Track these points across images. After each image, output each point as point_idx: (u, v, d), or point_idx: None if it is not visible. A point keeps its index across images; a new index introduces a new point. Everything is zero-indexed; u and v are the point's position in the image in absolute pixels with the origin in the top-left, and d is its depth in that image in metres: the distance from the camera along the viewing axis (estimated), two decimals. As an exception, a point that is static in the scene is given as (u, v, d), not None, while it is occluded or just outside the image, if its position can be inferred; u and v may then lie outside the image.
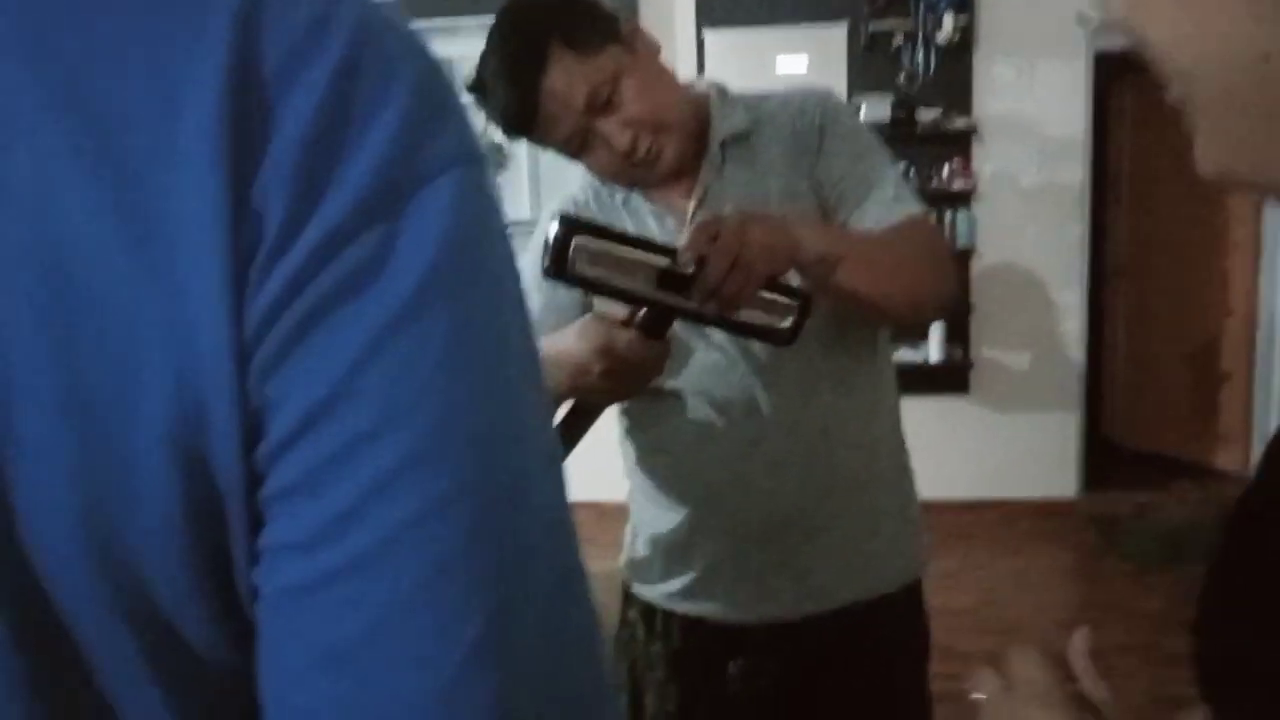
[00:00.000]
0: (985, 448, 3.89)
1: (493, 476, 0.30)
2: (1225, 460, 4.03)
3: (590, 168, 1.08)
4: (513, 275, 0.33)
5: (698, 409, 1.09)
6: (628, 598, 1.24)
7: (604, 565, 1.30)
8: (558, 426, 1.00)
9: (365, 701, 0.28)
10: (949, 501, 3.93)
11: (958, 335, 3.78)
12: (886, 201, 1.05)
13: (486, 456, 0.29)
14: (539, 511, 0.31)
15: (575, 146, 1.03)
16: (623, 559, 1.26)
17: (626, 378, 0.95)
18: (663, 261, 0.88)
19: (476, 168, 0.31)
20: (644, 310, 0.92)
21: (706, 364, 1.08)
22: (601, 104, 0.99)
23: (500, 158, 4.03)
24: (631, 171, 1.06)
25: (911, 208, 1.05)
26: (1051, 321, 3.82)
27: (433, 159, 0.29)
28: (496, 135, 1.09)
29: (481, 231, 0.31)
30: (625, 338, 0.93)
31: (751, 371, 1.07)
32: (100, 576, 0.28)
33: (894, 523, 1.15)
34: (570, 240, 0.86)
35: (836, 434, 1.09)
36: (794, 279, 0.94)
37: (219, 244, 0.26)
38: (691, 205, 1.08)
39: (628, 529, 1.26)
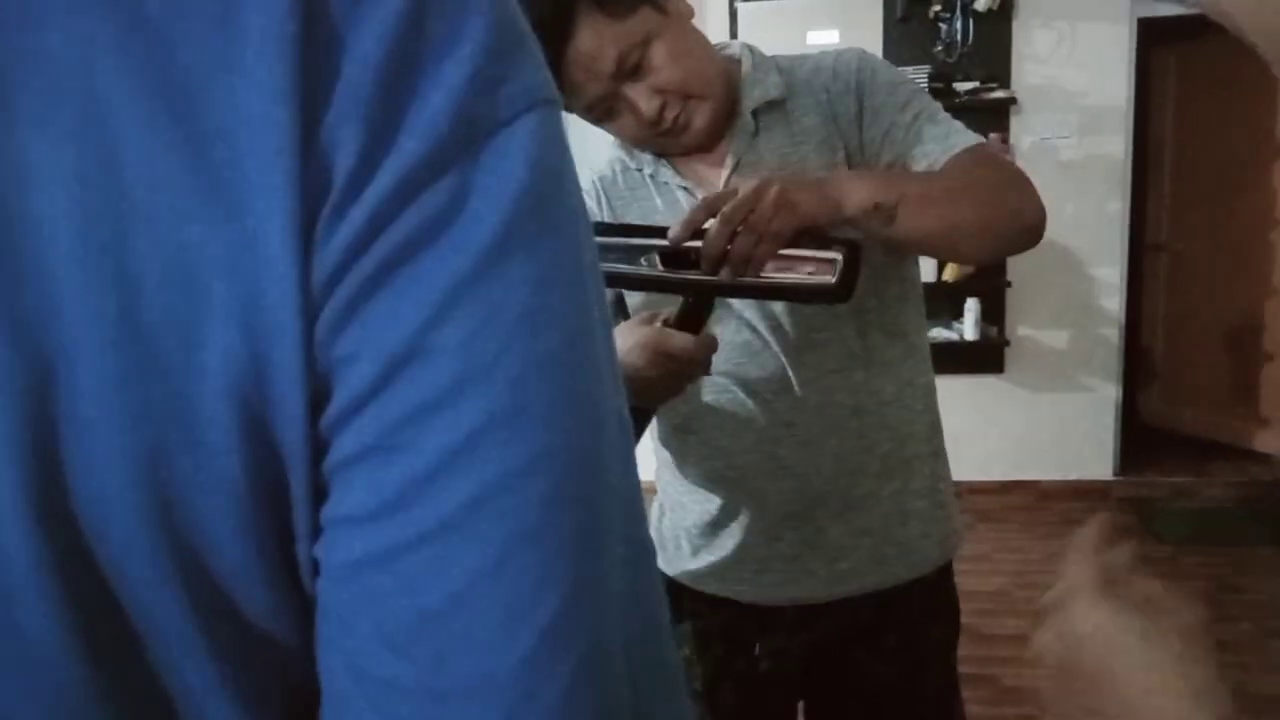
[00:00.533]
0: (1020, 428, 3.82)
1: (573, 441, 0.28)
2: (1265, 443, 3.93)
3: (615, 134, 1.05)
4: (586, 225, 0.30)
5: (728, 389, 1.07)
6: None
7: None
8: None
9: (440, 677, 0.26)
10: (982, 483, 3.88)
11: (993, 313, 3.71)
12: (941, 138, 0.99)
13: (568, 419, 0.28)
14: (614, 480, 0.30)
15: (601, 111, 0.99)
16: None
17: (676, 375, 0.93)
18: (660, 240, 0.86)
19: (554, 110, 0.29)
20: (680, 306, 0.89)
21: (737, 343, 1.05)
22: (630, 69, 0.95)
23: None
24: (659, 139, 1.03)
25: (969, 140, 0.99)
26: (1090, 298, 3.74)
27: (512, 99, 0.27)
28: None
29: (559, 178, 0.29)
30: (667, 334, 0.90)
31: (783, 351, 1.04)
32: (157, 538, 0.26)
33: (926, 505, 1.12)
34: None
35: (869, 414, 1.06)
36: (844, 233, 0.88)
37: (287, 187, 0.24)
38: (723, 176, 1.05)
39: (654, 507, 1.24)
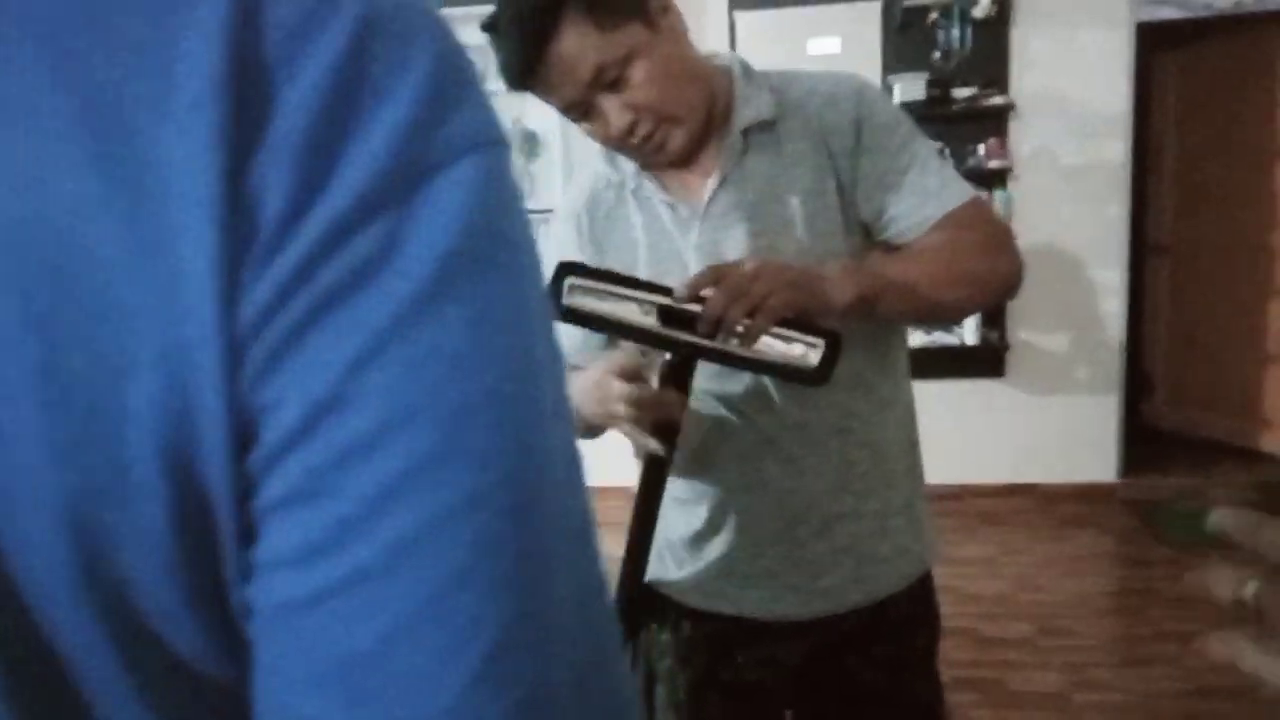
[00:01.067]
0: (1022, 431, 3.83)
1: (510, 483, 0.28)
2: (1271, 443, 3.93)
3: (590, 135, 1.05)
4: (535, 270, 0.31)
5: (712, 407, 1.08)
6: None
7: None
8: (639, 490, 1.01)
9: (369, 719, 0.26)
10: (985, 486, 3.89)
11: (994, 317, 3.72)
12: (935, 194, 1.02)
13: (504, 461, 0.27)
14: (558, 520, 0.30)
15: (576, 113, 1.01)
16: None
17: (609, 418, 0.95)
18: (663, 298, 0.90)
19: (498, 152, 0.29)
20: (665, 361, 0.93)
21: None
22: (608, 81, 0.96)
23: (532, 146, 4.02)
24: (633, 152, 1.04)
25: (959, 196, 1.03)
26: (1091, 303, 3.75)
27: (450, 142, 0.27)
28: (530, 123, 1.09)
29: (502, 221, 0.28)
30: (609, 382, 0.93)
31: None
32: (82, 581, 0.26)
33: (905, 522, 1.14)
34: (563, 280, 0.91)
35: (850, 433, 1.08)
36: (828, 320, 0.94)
37: (213, 231, 0.24)
38: (708, 193, 1.06)
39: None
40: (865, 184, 1.04)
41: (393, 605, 0.26)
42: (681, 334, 0.91)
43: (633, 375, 0.94)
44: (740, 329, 0.88)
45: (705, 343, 0.90)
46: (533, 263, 0.31)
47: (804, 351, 0.91)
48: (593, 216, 1.12)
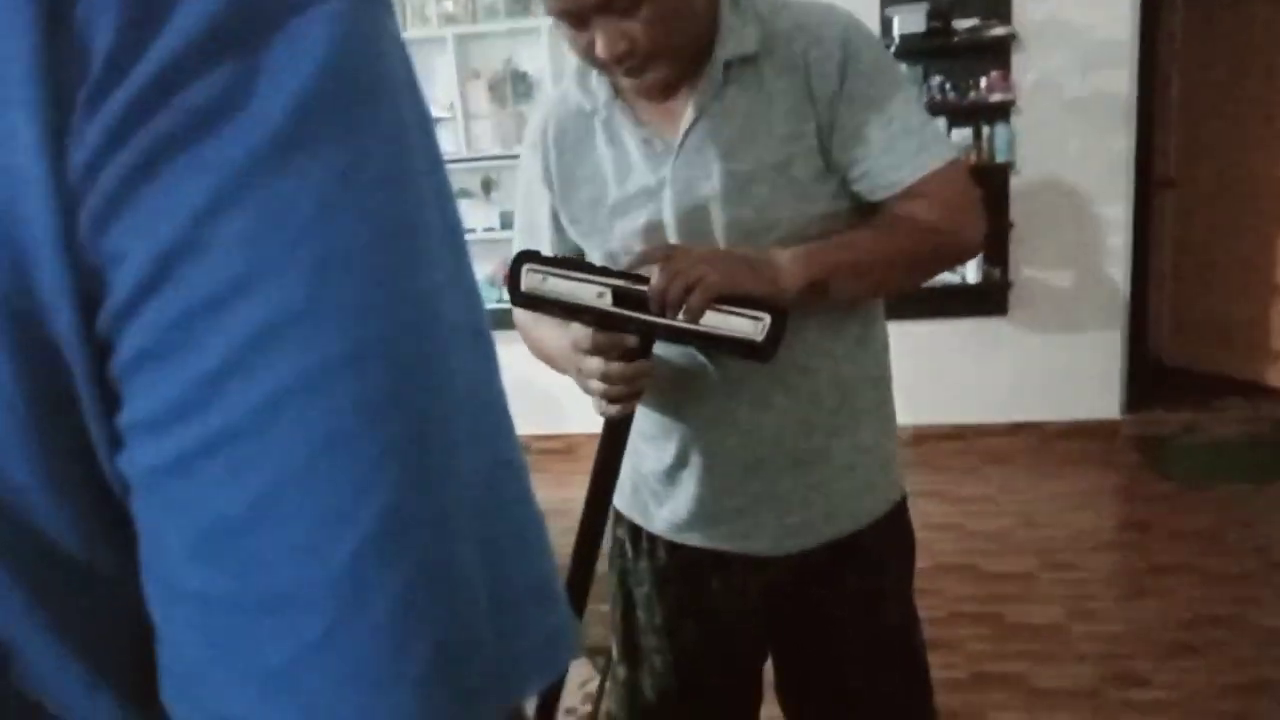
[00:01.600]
0: (1025, 369, 3.81)
1: (392, 343, 0.26)
2: (1276, 377, 3.90)
3: (572, 44, 1.03)
4: (421, 126, 0.29)
5: (682, 348, 1.07)
6: (615, 517, 1.24)
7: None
8: (601, 445, 1.07)
9: (251, 587, 0.25)
10: (988, 425, 3.88)
11: (996, 254, 3.68)
12: (913, 155, 1.01)
13: (384, 320, 0.26)
14: (458, 390, 0.28)
15: (571, 21, 0.98)
16: None
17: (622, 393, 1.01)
18: (615, 280, 0.96)
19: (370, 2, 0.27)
20: (626, 342, 0.99)
21: None
22: (620, 7, 0.93)
23: (523, 86, 3.96)
24: (611, 74, 1.03)
25: (936, 158, 1.02)
26: (1095, 238, 3.70)
27: None
28: (521, 64, 1.07)
29: (377, 67, 0.27)
30: (600, 365, 1.00)
31: None
32: None
33: (873, 460, 1.15)
34: (520, 267, 0.99)
35: (819, 372, 1.08)
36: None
37: (33, 75, 0.23)
38: (683, 127, 1.04)
39: None
40: (842, 134, 1.02)
41: (265, 468, 0.25)
42: (634, 313, 0.96)
43: (605, 349, 0.99)
44: (680, 304, 0.94)
45: (656, 320, 0.96)
46: (419, 118, 0.29)
47: (751, 326, 0.95)
48: (560, 149, 1.11)
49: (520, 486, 0.32)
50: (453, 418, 0.28)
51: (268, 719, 0.26)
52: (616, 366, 0.99)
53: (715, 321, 0.95)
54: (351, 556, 0.26)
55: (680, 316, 0.95)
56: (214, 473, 0.25)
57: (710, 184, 1.03)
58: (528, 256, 0.99)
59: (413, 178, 0.28)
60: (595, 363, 1.00)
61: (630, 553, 1.23)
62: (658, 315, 0.96)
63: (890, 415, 1.20)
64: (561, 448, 4.03)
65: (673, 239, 1.05)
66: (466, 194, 4.02)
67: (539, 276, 0.99)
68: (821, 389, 1.09)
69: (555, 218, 1.14)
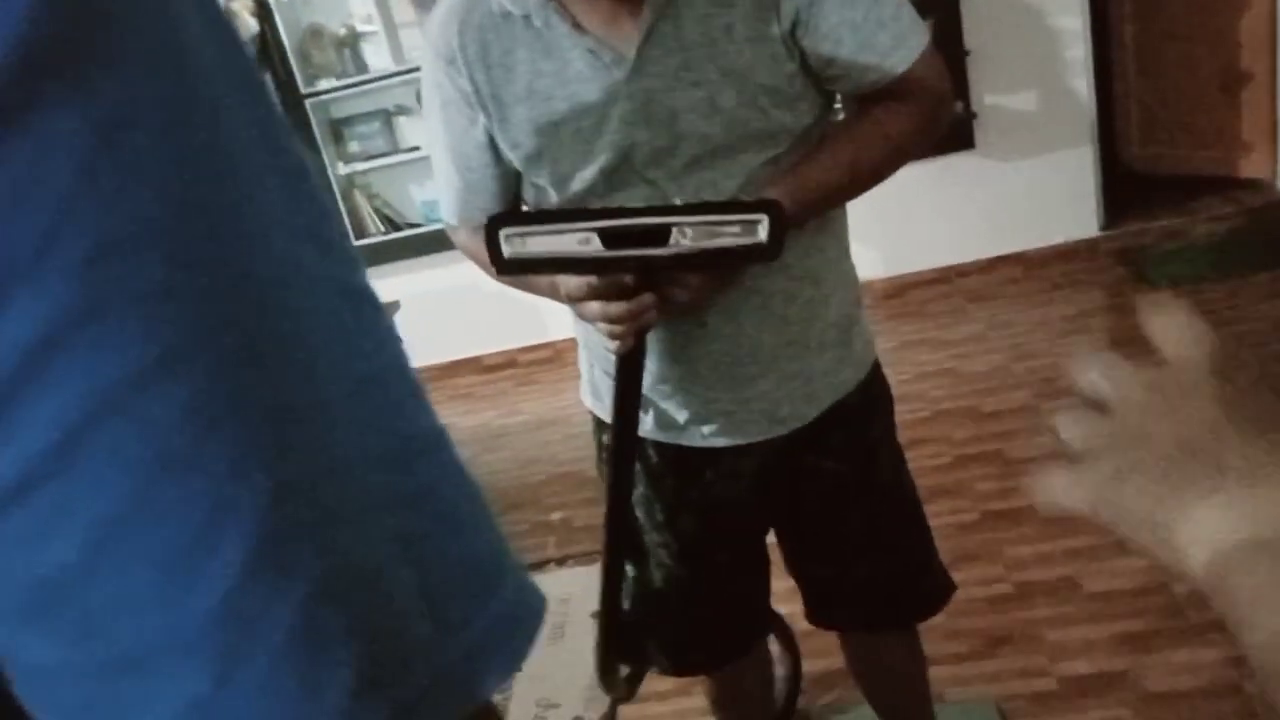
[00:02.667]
0: (999, 201, 3.74)
1: (219, 324, 0.21)
2: (1250, 168, 3.84)
3: None
4: (218, 37, 0.23)
5: None
6: (598, 423, 1.22)
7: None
8: (618, 380, 1.06)
9: (102, 649, 0.21)
10: (967, 264, 3.83)
11: (956, 87, 3.54)
12: (885, 52, 0.98)
13: (201, 299, 0.21)
14: (314, 362, 0.23)
15: None
16: (583, 389, 1.25)
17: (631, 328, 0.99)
18: (601, 223, 0.91)
19: None
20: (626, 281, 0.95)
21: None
22: None
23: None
24: None
25: (912, 51, 0.99)
26: (1053, 52, 3.57)
27: None
28: None
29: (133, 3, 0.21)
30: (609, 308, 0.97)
31: None
32: None
33: (845, 330, 1.15)
34: (497, 234, 0.91)
35: (787, 267, 1.06)
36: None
37: None
38: (639, 35, 0.94)
39: (581, 359, 1.24)
40: (815, 33, 0.96)
41: (84, 507, 0.20)
42: (631, 251, 0.92)
43: (602, 293, 0.96)
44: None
45: (655, 253, 0.92)
46: (216, 35, 0.23)
47: (751, 230, 0.92)
48: (486, 64, 0.99)
49: (439, 459, 0.27)
50: (324, 401, 0.24)
51: None
52: (617, 307, 0.96)
53: (714, 239, 0.92)
54: (223, 594, 0.21)
55: (683, 242, 0.91)
56: (20, 521, 0.20)
57: (672, 98, 0.96)
58: (501, 221, 0.93)
59: (211, 115, 0.22)
60: (595, 307, 0.97)
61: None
62: (654, 247, 0.92)
63: (854, 281, 1.19)
64: (548, 356, 3.98)
65: (630, 160, 0.99)
66: (402, 110, 3.84)
67: (519, 239, 0.92)
68: (791, 284, 1.07)
69: (491, 144, 1.04)
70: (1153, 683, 1.73)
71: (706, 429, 1.14)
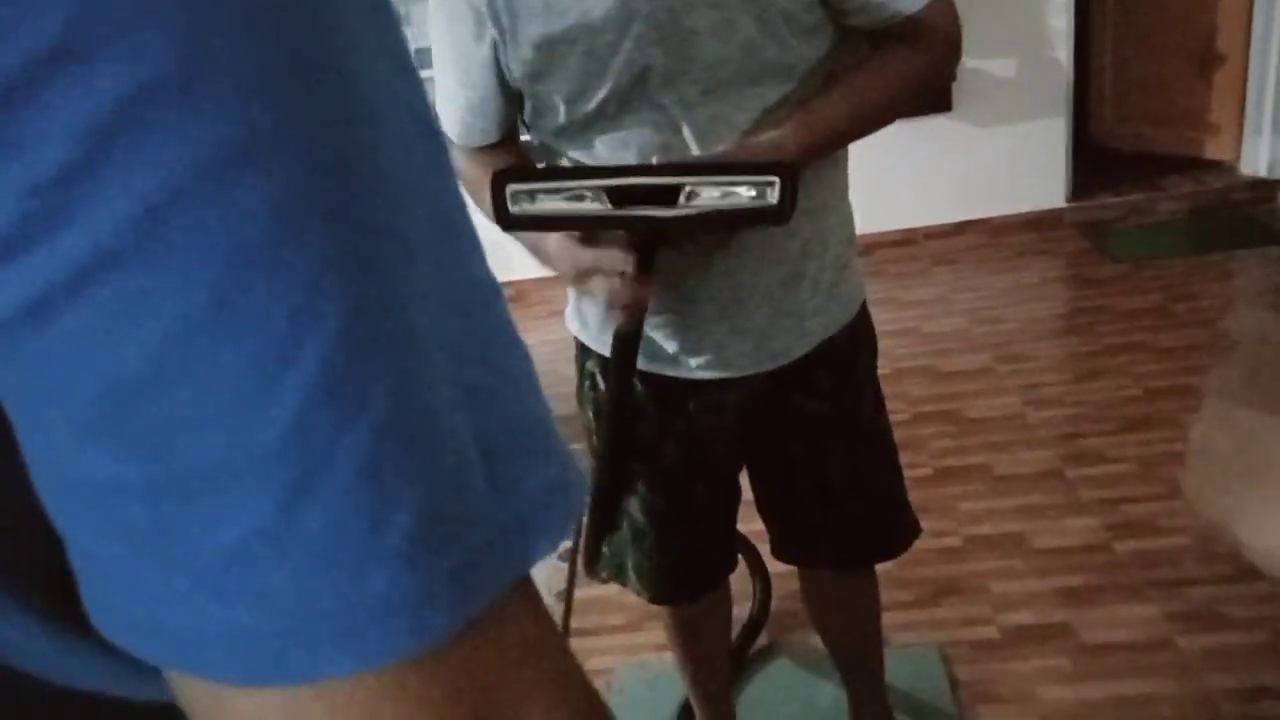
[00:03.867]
0: (970, 167, 3.76)
1: (306, 120, 0.20)
2: (1215, 150, 3.91)
3: None
4: None
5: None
6: (583, 349, 1.22)
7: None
8: (614, 358, 1.08)
9: (170, 464, 0.20)
10: (936, 226, 3.87)
11: (938, 48, 3.54)
12: None
13: (293, 88, 0.20)
14: (396, 181, 0.22)
15: None
16: (569, 314, 1.24)
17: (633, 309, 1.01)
18: (608, 180, 0.90)
19: None
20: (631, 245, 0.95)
21: (657, 145, 1.00)
22: None
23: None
24: None
25: None
26: (1039, 20, 3.57)
27: None
28: None
29: None
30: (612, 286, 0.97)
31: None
32: None
33: (839, 270, 1.16)
34: (504, 189, 0.90)
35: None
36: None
37: None
38: None
39: (569, 302, 1.22)
40: None
41: (159, 302, 0.19)
42: (637, 210, 0.90)
43: (604, 264, 0.96)
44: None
45: (663, 213, 0.90)
46: None
47: (761, 192, 0.91)
48: None
49: (498, 310, 0.27)
50: (403, 224, 0.22)
51: (210, 620, 0.21)
52: (619, 289, 0.95)
53: (723, 200, 0.90)
54: (297, 412, 0.20)
55: (694, 202, 0.90)
56: (87, 317, 0.19)
57: (691, 18, 0.93)
58: (507, 176, 0.91)
59: None
60: (598, 283, 0.96)
61: (603, 385, 1.21)
62: (662, 206, 0.90)
63: (850, 221, 1.19)
64: (512, 295, 3.95)
65: (644, 83, 0.96)
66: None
67: (526, 196, 0.91)
68: (795, 220, 1.04)
69: (496, 64, 1.01)
70: (1090, 635, 1.79)
71: (695, 361, 1.13)
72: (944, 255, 3.78)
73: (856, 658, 1.55)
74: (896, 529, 1.33)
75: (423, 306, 0.23)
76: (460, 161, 1.10)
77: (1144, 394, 2.54)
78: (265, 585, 0.21)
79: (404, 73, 0.24)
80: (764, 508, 1.34)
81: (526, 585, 0.27)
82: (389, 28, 0.24)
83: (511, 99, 1.04)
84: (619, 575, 1.34)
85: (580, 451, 1.40)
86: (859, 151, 1.14)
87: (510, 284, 3.91)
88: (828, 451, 1.23)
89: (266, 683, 0.22)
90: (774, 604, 1.95)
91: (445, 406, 0.23)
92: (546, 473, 0.26)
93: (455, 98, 1.05)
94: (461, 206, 0.26)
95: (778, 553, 1.38)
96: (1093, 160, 4.00)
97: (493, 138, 1.09)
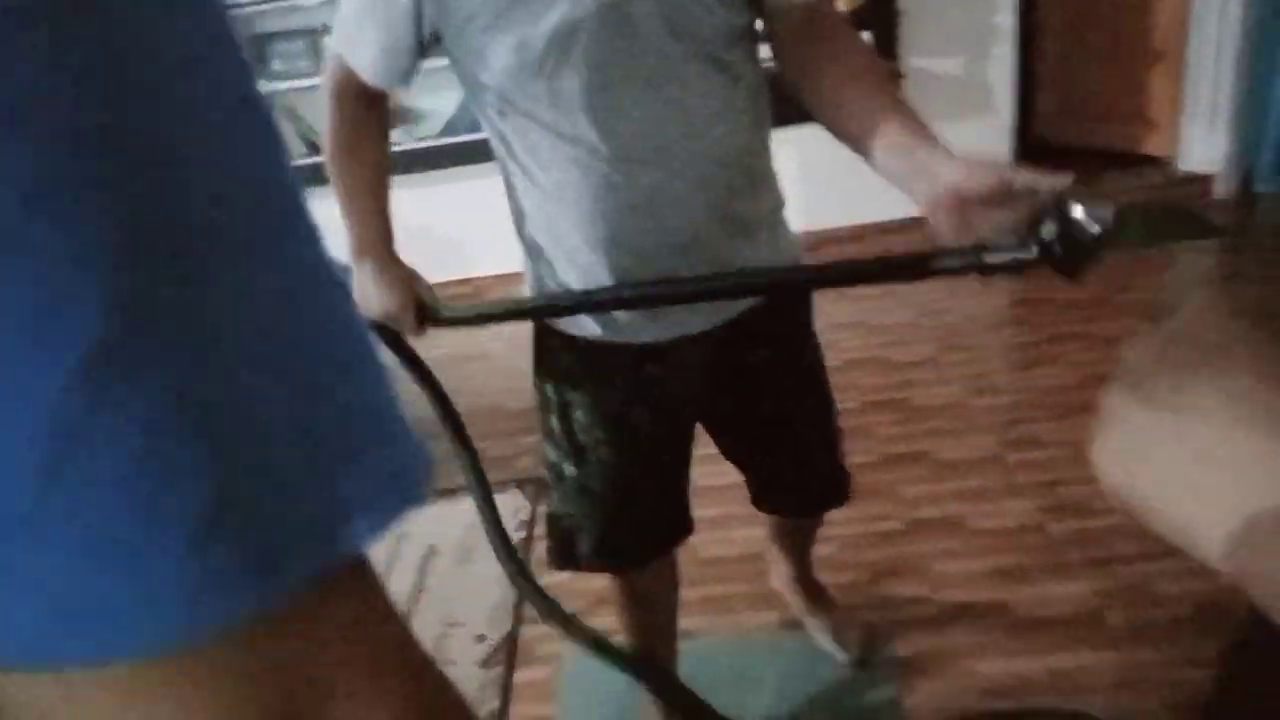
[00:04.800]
0: (920, 163, 3.82)
1: (74, 100, 0.19)
2: (1155, 146, 4.01)
3: None
4: None
5: (598, 160, 1.06)
6: (545, 330, 1.26)
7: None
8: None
9: None
10: (886, 223, 3.92)
11: (887, 46, 3.61)
12: None
13: (67, 63, 0.19)
14: (203, 168, 0.22)
15: None
16: (527, 293, 1.27)
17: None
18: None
19: None
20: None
21: (610, 106, 1.03)
22: None
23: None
24: None
25: None
26: (984, 18, 3.65)
27: None
28: None
29: None
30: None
31: (652, 116, 1.04)
32: None
33: (774, 228, 1.23)
34: None
35: (728, 163, 1.12)
36: None
37: None
38: None
39: (529, 268, 1.25)
40: None
41: None
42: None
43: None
44: None
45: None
46: None
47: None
48: None
49: (333, 298, 0.26)
50: (203, 206, 0.22)
51: None
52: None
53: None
54: (55, 396, 0.19)
55: None
56: None
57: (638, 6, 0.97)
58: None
59: None
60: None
61: (563, 360, 1.26)
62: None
63: (776, 178, 1.26)
64: (469, 292, 3.95)
65: (583, 44, 0.98)
66: (330, 30, 3.72)
67: None
68: (731, 177, 1.12)
69: (418, 15, 1.02)
70: (1025, 611, 1.85)
71: (651, 324, 1.18)
72: (895, 251, 3.85)
73: (800, 544, 1.76)
74: (844, 474, 1.49)
75: (230, 291, 0.22)
76: (339, 108, 1.15)
77: (1084, 380, 2.62)
78: (32, 573, 0.21)
79: (222, 47, 0.23)
80: (734, 458, 1.45)
81: (356, 565, 0.27)
82: (204, 6, 0.23)
83: (424, 49, 1.08)
84: (570, 559, 1.37)
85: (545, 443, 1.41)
86: (808, 149, 1.21)
87: (468, 280, 3.92)
88: (777, 394, 1.34)
89: (44, 668, 0.22)
90: (704, 590, 1.99)
91: (252, 393, 0.23)
92: (380, 457, 0.26)
93: (373, 39, 1.08)
94: (295, 191, 0.25)
95: (757, 501, 1.53)
96: (1036, 155, 4.09)
97: (402, 85, 1.13)
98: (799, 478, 1.47)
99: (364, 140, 1.18)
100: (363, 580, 0.28)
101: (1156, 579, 1.86)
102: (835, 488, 1.51)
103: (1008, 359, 2.91)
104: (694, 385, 1.29)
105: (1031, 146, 4.12)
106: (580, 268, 1.14)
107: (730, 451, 1.46)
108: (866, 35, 3.52)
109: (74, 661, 0.22)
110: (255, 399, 0.23)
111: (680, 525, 1.44)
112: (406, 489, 0.26)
